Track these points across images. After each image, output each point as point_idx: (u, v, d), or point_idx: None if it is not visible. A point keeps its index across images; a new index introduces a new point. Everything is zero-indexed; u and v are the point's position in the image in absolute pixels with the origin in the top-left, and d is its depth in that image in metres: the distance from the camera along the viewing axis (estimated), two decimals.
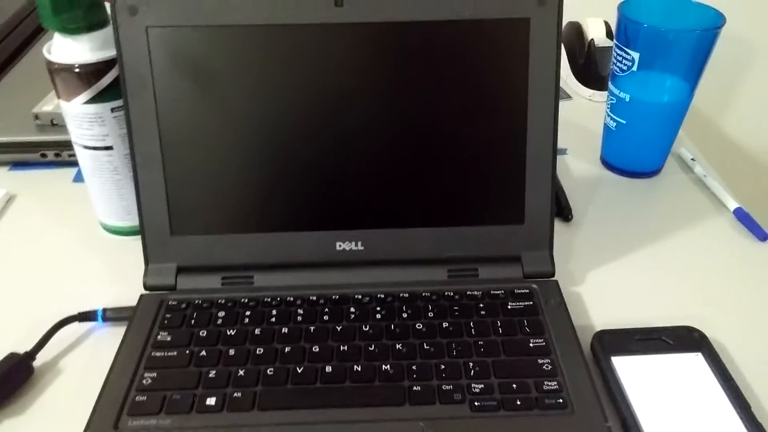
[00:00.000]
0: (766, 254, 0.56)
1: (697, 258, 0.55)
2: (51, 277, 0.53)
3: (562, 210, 0.59)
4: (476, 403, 0.41)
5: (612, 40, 0.75)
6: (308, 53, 0.47)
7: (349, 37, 0.47)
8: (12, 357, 0.44)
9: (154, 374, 0.43)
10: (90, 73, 0.48)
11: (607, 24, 0.77)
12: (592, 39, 0.76)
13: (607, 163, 0.66)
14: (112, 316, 0.48)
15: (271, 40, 0.46)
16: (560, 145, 0.68)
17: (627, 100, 0.60)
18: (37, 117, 0.65)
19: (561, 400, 0.41)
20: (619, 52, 0.60)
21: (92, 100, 0.49)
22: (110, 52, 0.48)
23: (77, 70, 0.48)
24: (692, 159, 0.66)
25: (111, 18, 0.45)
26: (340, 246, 0.50)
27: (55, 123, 0.64)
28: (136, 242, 0.55)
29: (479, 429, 0.40)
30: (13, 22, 0.80)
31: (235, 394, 0.41)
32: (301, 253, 0.50)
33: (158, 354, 0.44)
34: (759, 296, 0.52)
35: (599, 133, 0.67)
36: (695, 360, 0.45)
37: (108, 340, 0.47)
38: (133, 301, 0.48)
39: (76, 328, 0.48)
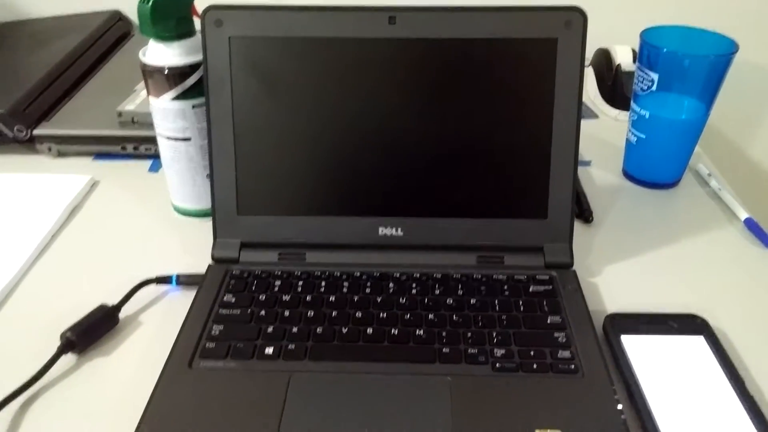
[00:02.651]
0: None
1: (707, 260, 0.61)
2: (131, 248, 0.61)
3: (583, 212, 0.65)
4: (497, 365, 0.47)
5: None
6: (363, 63, 0.54)
7: (399, 50, 0.54)
8: (102, 308, 0.51)
9: (222, 327, 0.50)
10: (177, 75, 0.56)
11: (633, 51, 0.83)
12: (619, 64, 0.82)
13: (628, 175, 0.72)
14: (184, 280, 0.55)
15: (333, 51, 0.54)
16: (585, 158, 0.75)
17: (647, 116, 0.67)
18: (120, 114, 0.73)
19: (573, 366, 0.47)
20: (641, 73, 0.66)
21: (177, 98, 0.57)
22: (195, 58, 0.56)
23: (167, 71, 0.56)
24: (708, 174, 0.71)
25: (201, 28, 0.54)
26: (382, 231, 0.56)
27: (136, 120, 0.73)
28: (203, 223, 0.63)
29: (499, 385, 0.46)
30: (98, 32, 0.89)
31: (290, 346, 0.48)
32: (348, 236, 0.56)
33: (224, 312, 0.51)
34: (761, 295, 0.57)
35: (622, 148, 0.73)
36: (697, 342, 0.50)
37: (179, 301, 0.54)
38: (200, 271, 0.56)
39: (153, 289, 0.55)
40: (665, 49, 0.63)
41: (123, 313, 0.53)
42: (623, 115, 0.83)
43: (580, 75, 0.54)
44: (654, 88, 0.65)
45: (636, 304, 0.55)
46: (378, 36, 0.54)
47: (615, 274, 0.59)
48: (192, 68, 0.57)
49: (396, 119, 0.55)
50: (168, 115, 0.58)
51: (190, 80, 0.57)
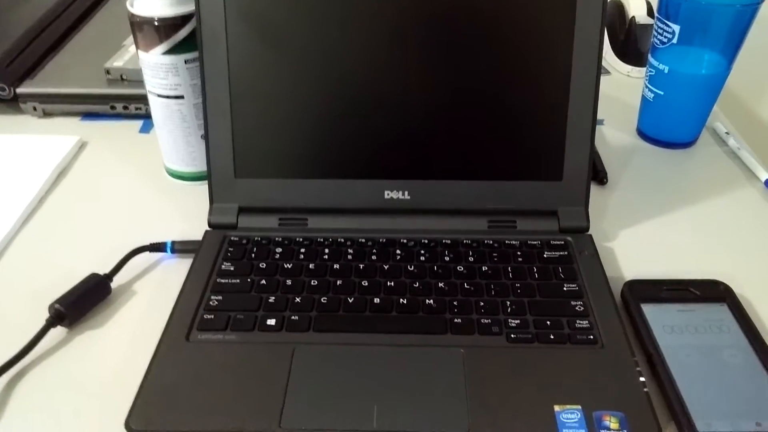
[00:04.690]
0: None
1: (727, 222, 0.58)
2: (122, 214, 0.58)
3: (597, 173, 0.62)
4: (512, 335, 0.45)
5: (652, 18, 0.77)
6: (369, 12, 0.50)
7: (407, 3, 0.50)
8: (93, 277, 0.49)
9: (220, 297, 0.47)
10: (168, 26, 0.52)
11: (648, 2, 0.79)
12: (633, 17, 0.78)
13: (643, 134, 0.69)
14: (179, 248, 0.52)
15: (334, 1, 0.50)
16: (598, 116, 0.72)
17: (666, 71, 0.63)
18: (108, 72, 0.69)
19: (591, 337, 0.45)
20: (660, 24, 0.62)
21: (169, 52, 0.53)
22: (187, 7, 0.52)
23: (157, 23, 0.52)
24: (726, 132, 0.68)
25: None
26: (388, 194, 0.53)
27: (125, 78, 0.69)
28: (198, 187, 0.60)
29: (515, 357, 0.43)
30: None
31: (293, 317, 0.45)
32: (352, 200, 0.53)
33: (223, 281, 0.48)
34: None
35: (636, 106, 0.70)
36: (720, 309, 0.48)
37: (175, 269, 0.51)
38: (196, 238, 0.53)
39: (147, 257, 0.52)
40: None
41: (115, 283, 0.50)
42: (636, 72, 0.79)
43: (601, 26, 0.51)
44: (674, 41, 0.61)
45: (654, 269, 0.52)
46: None
47: (631, 239, 0.56)
48: (184, 19, 0.53)
49: (403, 75, 0.52)
50: (159, 71, 0.54)
51: (182, 32, 0.53)
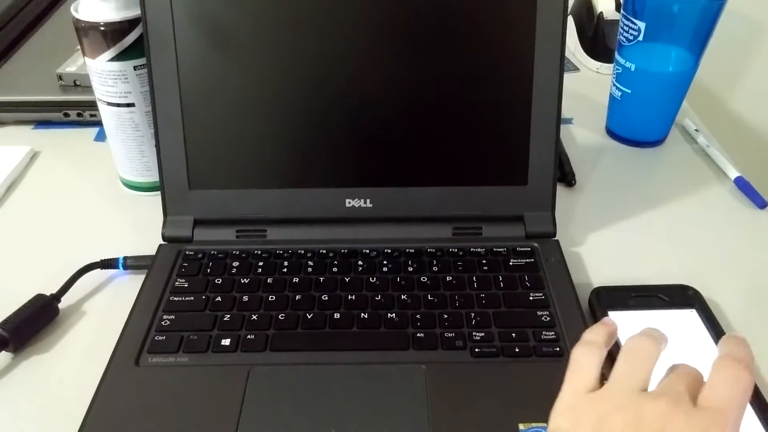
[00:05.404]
0: (765, 221, 0.57)
1: (696, 223, 0.57)
2: (73, 228, 0.56)
3: (565, 175, 0.61)
4: (477, 350, 0.43)
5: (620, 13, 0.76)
6: (324, 12, 0.48)
7: (362, 0, 0.48)
8: (39, 298, 0.46)
9: (173, 317, 0.45)
10: (115, 32, 0.50)
11: None
12: (601, 12, 0.77)
13: (611, 133, 0.68)
14: (132, 264, 0.50)
15: (288, 1, 0.48)
16: (566, 115, 0.71)
17: (632, 69, 0.62)
18: (60, 78, 0.67)
19: (558, 349, 0.43)
20: (625, 22, 0.61)
21: (116, 58, 0.51)
22: (134, 12, 0.50)
23: (103, 28, 0.50)
24: (696, 130, 0.67)
25: None
26: (349, 203, 0.52)
27: (78, 84, 0.66)
28: (154, 198, 0.58)
29: (479, 373, 0.42)
30: None
31: (249, 336, 0.44)
32: (312, 209, 0.52)
33: (176, 299, 0.46)
34: (756, 260, 0.53)
35: (605, 104, 0.68)
36: (689, 315, 0.47)
37: (127, 286, 0.49)
38: (150, 252, 0.51)
39: (98, 274, 0.50)
40: None
41: (63, 303, 0.47)
42: (605, 68, 0.78)
43: (563, 24, 0.49)
44: (640, 38, 0.60)
45: (623, 274, 0.51)
46: None
47: (600, 243, 0.55)
48: (132, 24, 0.51)
49: (362, 77, 0.50)
50: (107, 79, 0.52)
51: (130, 37, 0.51)
